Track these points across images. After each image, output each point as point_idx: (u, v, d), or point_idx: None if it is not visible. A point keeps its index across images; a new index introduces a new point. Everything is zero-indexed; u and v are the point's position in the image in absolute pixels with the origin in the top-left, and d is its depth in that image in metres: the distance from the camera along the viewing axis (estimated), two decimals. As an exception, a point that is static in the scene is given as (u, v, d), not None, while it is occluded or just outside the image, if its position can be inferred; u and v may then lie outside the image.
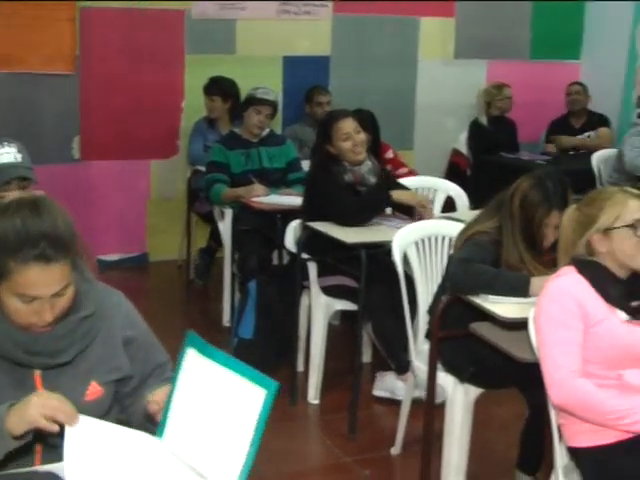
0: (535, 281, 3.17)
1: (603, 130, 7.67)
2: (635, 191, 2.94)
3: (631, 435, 2.68)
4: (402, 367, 4.22)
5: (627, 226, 2.81)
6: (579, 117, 7.74)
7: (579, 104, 7.71)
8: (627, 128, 6.98)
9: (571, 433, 2.80)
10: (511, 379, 3.38)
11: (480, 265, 3.26)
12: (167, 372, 2.37)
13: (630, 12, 7.99)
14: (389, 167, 5.83)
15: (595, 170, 6.62)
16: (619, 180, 6.38)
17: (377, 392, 4.54)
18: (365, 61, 7.44)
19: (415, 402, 3.93)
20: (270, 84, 6.17)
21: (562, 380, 2.70)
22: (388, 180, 4.71)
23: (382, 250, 4.01)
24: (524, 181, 3.43)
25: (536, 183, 3.40)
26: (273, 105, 5.70)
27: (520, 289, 3.19)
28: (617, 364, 2.76)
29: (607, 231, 2.82)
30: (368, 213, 4.42)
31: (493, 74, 7.90)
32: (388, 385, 4.49)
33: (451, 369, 3.52)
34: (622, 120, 7.93)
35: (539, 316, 2.82)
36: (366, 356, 4.95)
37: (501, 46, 7.99)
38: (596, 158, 6.69)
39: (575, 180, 6.89)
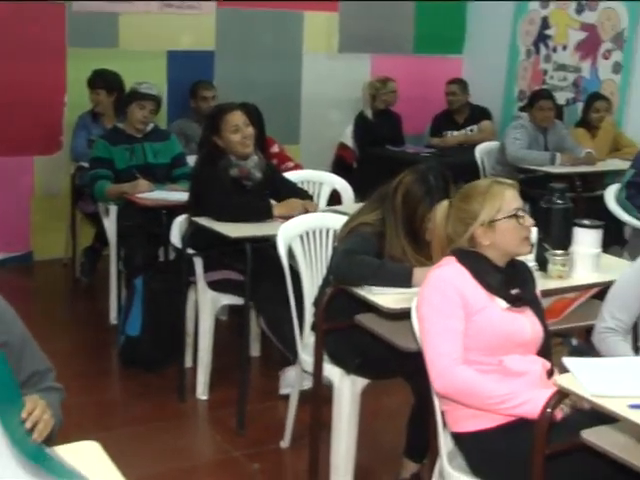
0: (418, 272, 3.21)
1: (485, 123, 7.83)
2: (507, 181, 3.01)
3: (511, 418, 2.74)
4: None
5: (509, 217, 2.87)
6: (461, 112, 7.87)
7: (457, 103, 7.83)
8: (509, 121, 7.15)
9: (454, 419, 2.86)
10: (396, 369, 3.41)
11: (363, 256, 3.29)
12: (46, 381, 2.30)
13: (510, 9, 8.18)
14: (275, 161, 5.82)
15: (479, 162, 6.76)
16: (502, 172, 6.53)
17: (284, 391, 4.42)
18: (250, 55, 7.42)
19: (305, 394, 3.94)
20: (154, 79, 6.11)
21: (444, 368, 2.74)
22: (274, 175, 4.71)
23: (268, 244, 4.00)
24: (407, 175, 3.46)
25: (419, 178, 3.43)
26: (157, 100, 5.64)
27: (403, 280, 3.23)
28: (497, 350, 2.82)
29: (491, 224, 2.87)
30: (243, 220, 4.37)
31: (377, 68, 7.99)
32: (292, 381, 4.47)
33: (337, 361, 3.54)
34: (504, 113, 8.13)
35: (421, 306, 2.86)
36: (255, 350, 4.95)
37: (385, 41, 8.08)
38: (479, 151, 6.83)
39: (459, 173, 7.02)
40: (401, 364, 3.26)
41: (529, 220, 2.93)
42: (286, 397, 4.17)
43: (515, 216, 2.88)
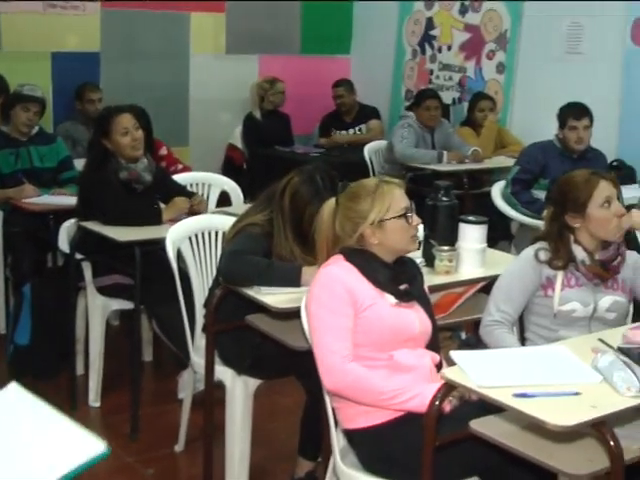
0: (306, 271, 3.23)
1: (374, 122, 7.91)
2: (394, 180, 3.05)
3: (400, 413, 2.78)
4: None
5: (398, 216, 2.91)
6: (350, 111, 7.92)
7: (344, 105, 7.89)
8: (396, 120, 7.23)
9: (345, 416, 2.88)
10: (288, 368, 3.42)
11: (252, 257, 3.29)
12: None
13: (396, 10, 8.29)
14: (163, 164, 5.78)
15: (367, 161, 6.83)
16: (390, 170, 6.62)
17: (181, 394, 4.33)
18: (136, 57, 7.35)
19: (199, 397, 3.91)
20: (38, 81, 6.01)
21: (334, 365, 2.76)
22: (164, 178, 4.68)
23: (157, 247, 3.96)
24: (294, 176, 3.46)
25: (306, 179, 3.43)
26: (41, 102, 5.54)
27: (292, 279, 3.24)
28: (387, 346, 2.86)
29: (380, 223, 2.90)
30: (132, 225, 4.31)
31: (265, 69, 8.00)
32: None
33: (229, 362, 3.53)
34: (392, 112, 8.23)
35: (310, 304, 2.88)
36: (147, 355, 4.91)
37: (272, 41, 8.10)
38: (368, 150, 6.91)
39: (348, 172, 7.08)
40: (293, 363, 3.28)
41: (417, 219, 2.97)
42: (181, 401, 4.14)
43: (404, 216, 2.92)
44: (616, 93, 6.54)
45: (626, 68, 6.47)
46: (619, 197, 3.29)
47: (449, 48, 7.92)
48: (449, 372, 2.58)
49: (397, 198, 2.94)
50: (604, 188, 3.21)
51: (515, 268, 3.27)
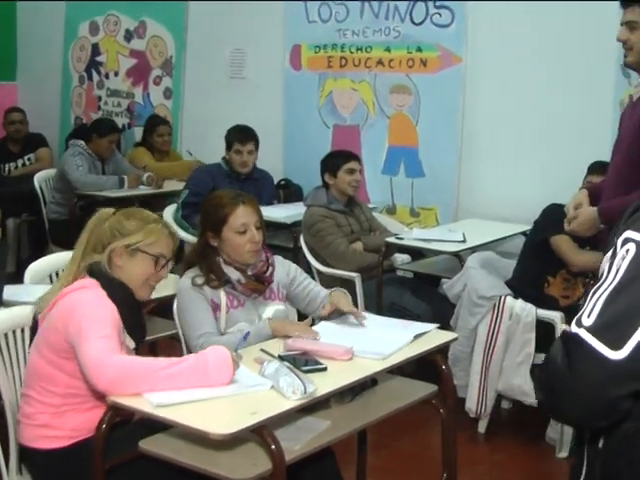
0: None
1: (42, 151, 7.72)
2: (172, 229, 3.08)
3: (79, 439, 2.79)
4: None
5: (152, 256, 2.93)
6: (17, 141, 7.67)
7: (21, 133, 7.66)
8: (65, 148, 7.12)
9: (27, 433, 2.86)
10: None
11: None
12: None
13: (61, 35, 8.18)
14: None
15: (38, 191, 6.68)
16: (62, 199, 6.53)
17: None
18: None
19: None
20: None
21: (102, 361, 2.62)
22: None
23: None
24: None
25: None
26: None
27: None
28: None
29: (133, 250, 2.90)
30: None
31: None
32: None
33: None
34: (61, 140, 8.09)
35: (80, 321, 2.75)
36: None
37: None
38: (38, 179, 6.76)
39: (20, 202, 6.94)
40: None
41: (165, 272, 2.99)
42: None
43: (156, 259, 2.95)
44: (279, 116, 6.83)
45: (287, 92, 6.78)
46: (260, 223, 3.34)
47: (116, 74, 7.93)
48: (115, 397, 2.58)
49: (163, 241, 2.97)
50: (242, 214, 3.28)
51: (186, 301, 3.26)
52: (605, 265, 1.61)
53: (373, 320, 3.36)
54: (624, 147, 3.30)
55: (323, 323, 3.33)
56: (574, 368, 1.51)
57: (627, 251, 1.53)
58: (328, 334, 3.15)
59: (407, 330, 3.21)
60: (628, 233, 1.56)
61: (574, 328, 1.54)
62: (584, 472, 1.69)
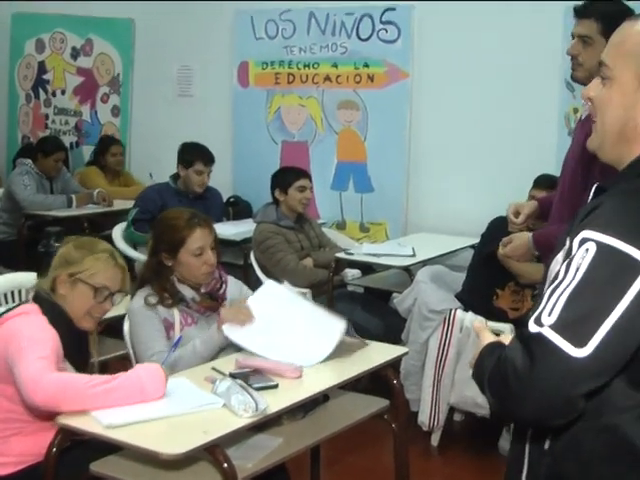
0: None
1: (-13, 171, 7.63)
2: (121, 261, 3.03)
3: (27, 465, 2.77)
4: None
5: (92, 287, 2.91)
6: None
7: None
8: (12, 167, 7.04)
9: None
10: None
11: None
12: None
13: (7, 53, 8.11)
14: None
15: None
16: (9, 219, 6.45)
17: None
18: None
19: None
20: None
21: (39, 377, 2.60)
22: None
23: None
24: None
25: None
26: None
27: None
28: None
29: (75, 280, 2.89)
30: None
31: None
32: None
33: None
34: (8, 159, 7.99)
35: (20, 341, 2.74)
36: None
37: None
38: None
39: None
40: None
41: (109, 305, 2.98)
42: None
43: (97, 290, 2.92)
44: (228, 133, 6.83)
45: (235, 108, 6.79)
46: (215, 244, 3.36)
47: (63, 92, 7.86)
48: (63, 418, 2.55)
49: (107, 273, 2.94)
50: (199, 237, 3.29)
51: (139, 320, 3.25)
52: (557, 266, 1.60)
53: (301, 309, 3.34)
54: (569, 170, 3.19)
55: (255, 298, 3.32)
56: (536, 367, 1.49)
57: (587, 250, 1.52)
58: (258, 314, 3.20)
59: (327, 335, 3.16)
60: (586, 233, 1.54)
61: (534, 328, 1.51)
62: (525, 473, 1.69)
